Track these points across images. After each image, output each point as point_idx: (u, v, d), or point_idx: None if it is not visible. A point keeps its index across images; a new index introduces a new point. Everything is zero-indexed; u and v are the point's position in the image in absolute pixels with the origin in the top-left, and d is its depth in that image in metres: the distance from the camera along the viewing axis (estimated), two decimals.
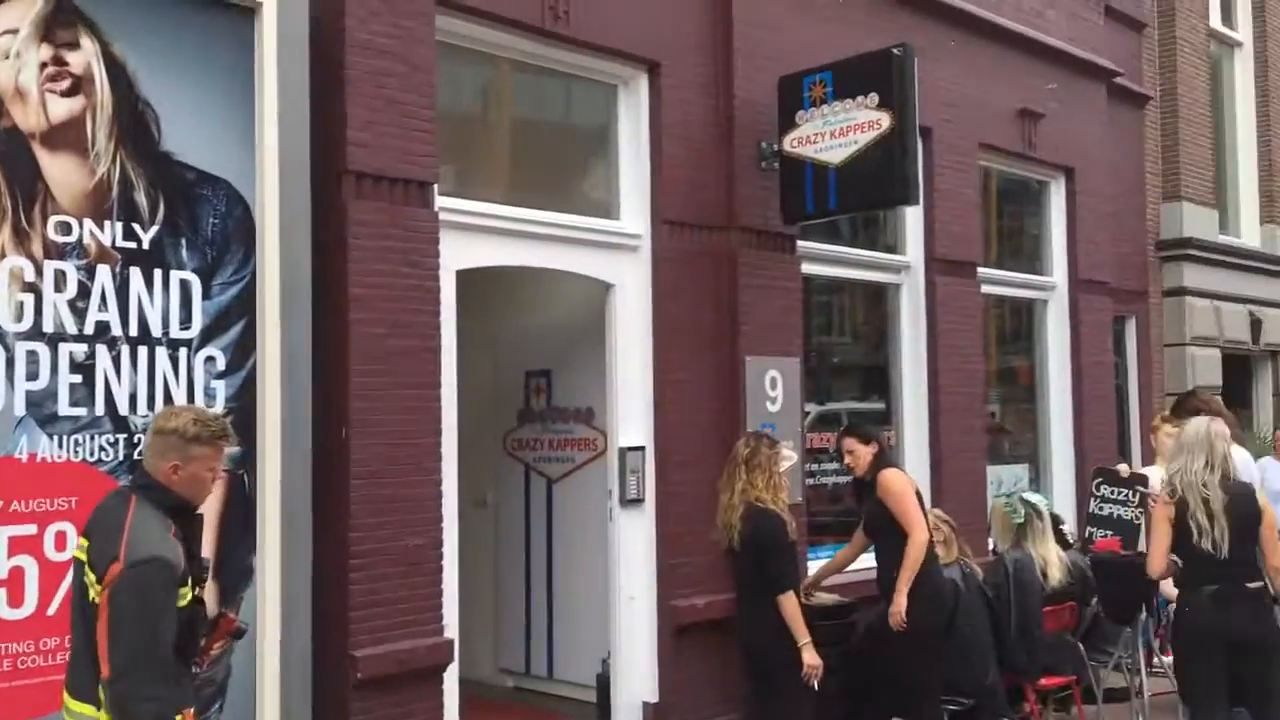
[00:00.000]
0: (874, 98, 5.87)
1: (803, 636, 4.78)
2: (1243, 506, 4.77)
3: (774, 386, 6.33)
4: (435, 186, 5.03)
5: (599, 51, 5.87)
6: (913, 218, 7.64)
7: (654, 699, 5.91)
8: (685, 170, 6.15)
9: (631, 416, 5.97)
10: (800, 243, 6.69)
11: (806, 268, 6.77)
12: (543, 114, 6.34)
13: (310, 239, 4.56)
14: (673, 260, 6.07)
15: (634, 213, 6.10)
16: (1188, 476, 4.80)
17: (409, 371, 4.82)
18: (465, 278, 5.25)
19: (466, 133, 5.79)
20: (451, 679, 4.98)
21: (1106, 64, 9.36)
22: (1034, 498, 6.64)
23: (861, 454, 5.43)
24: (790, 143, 6.22)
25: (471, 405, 5.70)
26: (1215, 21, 12.12)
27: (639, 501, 5.94)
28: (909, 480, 5.45)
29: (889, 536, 5.31)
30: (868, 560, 5.68)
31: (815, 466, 7.03)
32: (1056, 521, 7.08)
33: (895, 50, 5.88)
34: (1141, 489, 7.27)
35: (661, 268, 6.03)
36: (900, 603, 5.14)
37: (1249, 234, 12.37)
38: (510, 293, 7.01)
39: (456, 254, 5.16)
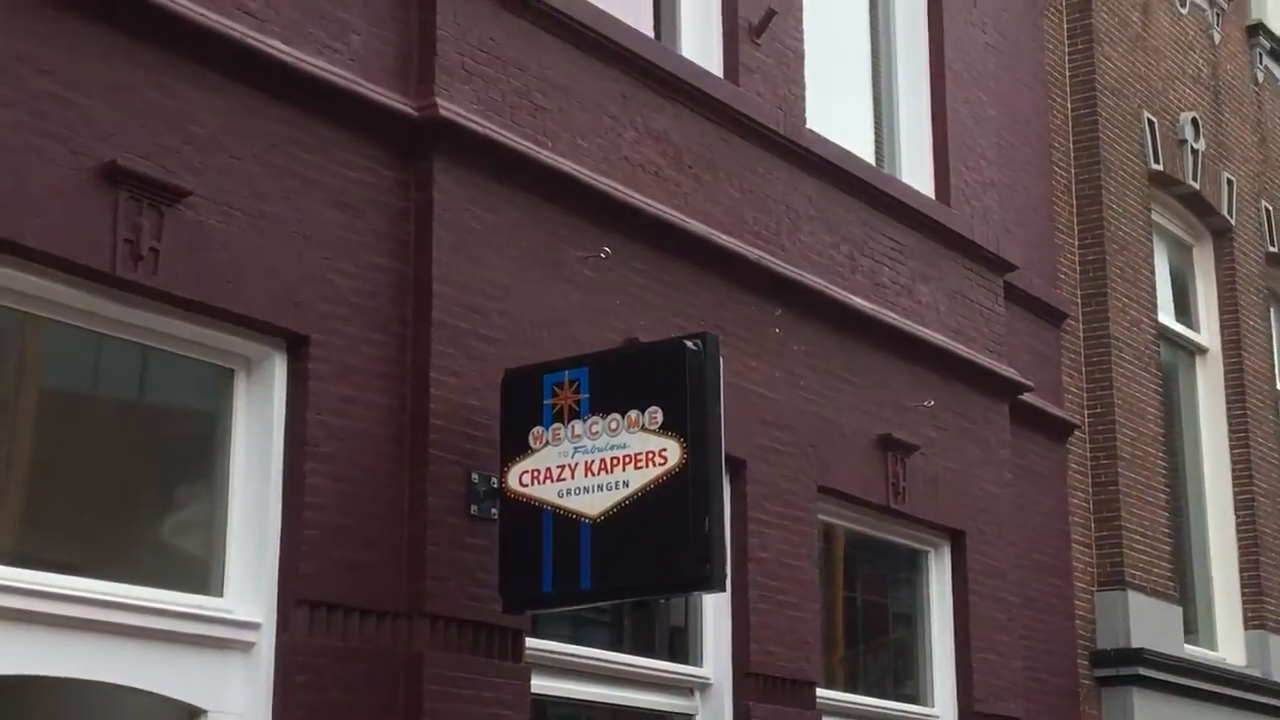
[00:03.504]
0: (656, 415, 6.17)
1: None
2: None
3: None
4: None
5: (203, 313, 5.96)
6: (714, 609, 7.90)
7: None
8: (340, 516, 6.21)
9: None
10: (531, 642, 6.78)
11: (538, 683, 6.83)
12: (104, 407, 6.29)
13: None
14: (313, 669, 6.01)
15: (248, 585, 6.07)
16: None
17: None
18: None
19: None
20: None
21: (1010, 373, 10.22)
22: None
23: None
24: (519, 478, 6.41)
25: None
26: (1167, 317, 13.41)
27: None
28: None
29: None
30: None
31: None
32: None
33: (691, 343, 6.25)
34: None
35: (292, 682, 5.95)
36: None
37: (1229, 645, 13.27)
38: None
39: None
